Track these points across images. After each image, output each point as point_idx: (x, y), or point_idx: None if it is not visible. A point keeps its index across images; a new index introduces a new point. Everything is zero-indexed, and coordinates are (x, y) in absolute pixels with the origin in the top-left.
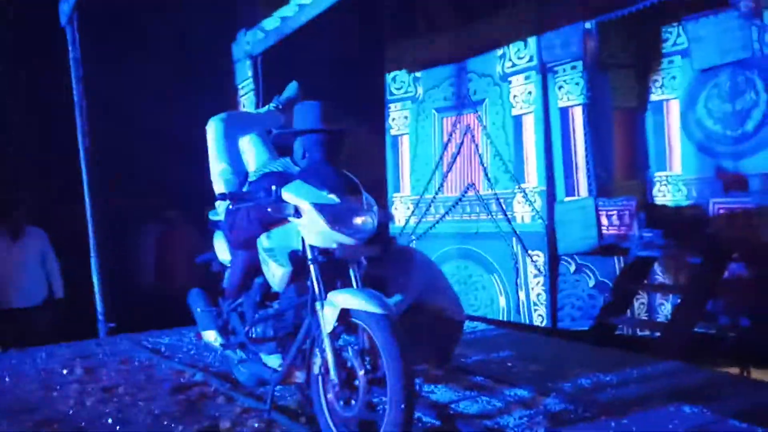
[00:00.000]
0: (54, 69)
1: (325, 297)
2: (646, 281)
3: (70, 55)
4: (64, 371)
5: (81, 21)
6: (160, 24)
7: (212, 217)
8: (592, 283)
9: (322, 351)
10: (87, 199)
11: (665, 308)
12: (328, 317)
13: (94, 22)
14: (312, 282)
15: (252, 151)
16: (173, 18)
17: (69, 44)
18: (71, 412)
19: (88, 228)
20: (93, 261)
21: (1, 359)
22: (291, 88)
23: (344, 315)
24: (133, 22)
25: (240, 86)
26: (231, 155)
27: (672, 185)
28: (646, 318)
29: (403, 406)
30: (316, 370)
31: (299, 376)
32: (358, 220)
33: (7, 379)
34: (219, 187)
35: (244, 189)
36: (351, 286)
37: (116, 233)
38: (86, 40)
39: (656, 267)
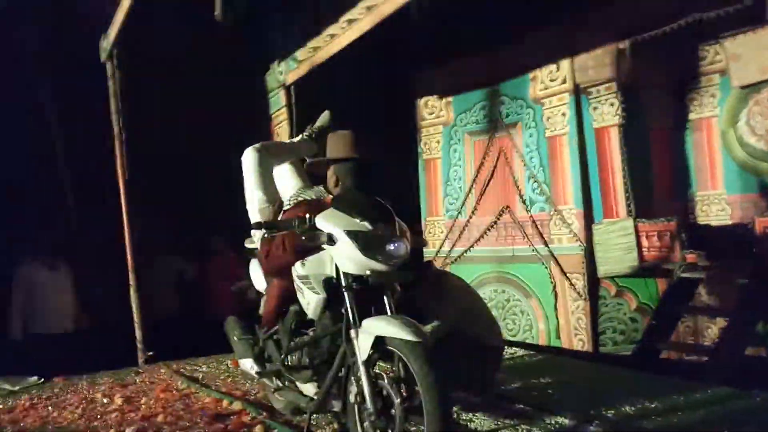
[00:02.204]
0: (93, 102)
1: (360, 324)
2: (690, 304)
3: (109, 89)
4: (105, 400)
5: (120, 56)
6: (195, 56)
7: (248, 245)
8: (634, 306)
9: (358, 379)
10: (126, 228)
11: (712, 331)
12: (362, 345)
13: (132, 57)
14: (346, 309)
15: (287, 180)
16: (208, 49)
17: (108, 79)
18: None
19: (126, 256)
20: (132, 289)
21: (44, 388)
22: (324, 118)
23: (379, 342)
24: (169, 56)
25: (274, 115)
26: (266, 184)
27: (715, 204)
28: (692, 342)
29: None
30: (351, 398)
31: (335, 405)
32: (390, 247)
33: (50, 408)
34: (254, 216)
35: (279, 218)
36: (385, 313)
37: (153, 261)
38: (125, 75)
39: (701, 289)
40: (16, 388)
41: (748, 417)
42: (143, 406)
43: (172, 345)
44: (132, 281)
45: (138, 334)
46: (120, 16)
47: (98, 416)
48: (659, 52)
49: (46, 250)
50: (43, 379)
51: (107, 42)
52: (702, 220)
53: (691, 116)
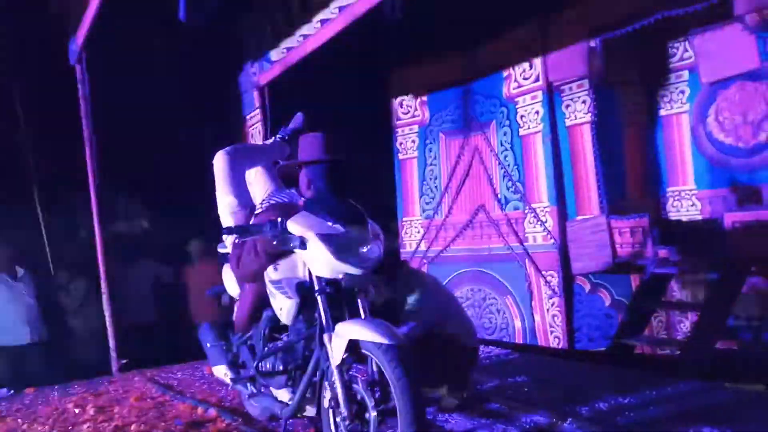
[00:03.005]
0: (63, 105)
1: (334, 328)
2: (663, 298)
3: (79, 92)
4: (77, 410)
5: (89, 59)
6: (167, 57)
7: (221, 250)
8: (608, 302)
9: (332, 384)
10: (97, 234)
11: (684, 326)
12: (336, 349)
13: (102, 59)
14: (319, 313)
15: (258, 184)
16: (180, 50)
17: (78, 82)
18: None
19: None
20: (104, 297)
21: (14, 400)
22: (296, 120)
23: (353, 346)
24: (140, 57)
25: (248, 117)
26: (238, 188)
27: (685, 200)
28: (664, 336)
29: None
30: (326, 403)
31: (310, 410)
32: (363, 249)
33: (19, 420)
34: (226, 220)
35: (251, 222)
36: (359, 316)
37: (125, 268)
38: (95, 77)
39: (673, 284)
40: None
41: (720, 410)
42: (116, 415)
43: (147, 352)
44: (104, 288)
45: (111, 341)
46: (88, 17)
47: (70, 427)
48: (630, 49)
49: (7, 258)
50: (12, 391)
51: (75, 44)
52: (673, 215)
53: (662, 112)
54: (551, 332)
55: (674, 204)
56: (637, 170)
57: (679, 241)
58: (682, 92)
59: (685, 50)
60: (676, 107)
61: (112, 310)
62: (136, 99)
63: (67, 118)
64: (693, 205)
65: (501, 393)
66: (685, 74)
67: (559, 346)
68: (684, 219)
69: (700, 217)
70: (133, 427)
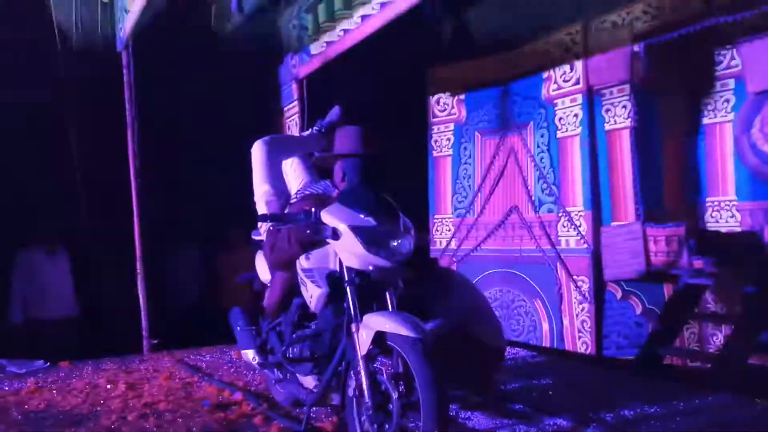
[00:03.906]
0: (108, 92)
1: (361, 319)
2: (696, 310)
3: (124, 78)
4: (109, 386)
5: (136, 46)
6: (209, 48)
7: (255, 237)
8: (639, 310)
9: (357, 373)
10: (135, 217)
11: (717, 339)
12: (363, 340)
13: (147, 47)
14: (348, 304)
15: (294, 174)
16: (222, 42)
17: (124, 68)
18: (113, 426)
19: (135, 245)
20: (139, 277)
21: (49, 372)
22: (333, 113)
23: (379, 338)
24: (183, 47)
25: (286, 109)
26: (274, 177)
27: (725, 211)
28: (696, 348)
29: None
30: (350, 392)
31: (334, 398)
32: (394, 243)
33: (54, 392)
34: (261, 208)
35: (285, 211)
36: (387, 309)
37: (162, 250)
38: (140, 65)
39: (707, 295)
40: (23, 371)
41: (749, 426)
42: (146, 393)
43: (178, 334)
44: (140, 269)
45: (144, 322)
46: (137, 5)
47: (101, 401)
48: (674, 55)
49: (48, 235)
50: (48, 364)
51: (123, 32)
52: (711, 226)
53: (705, 121)
54: (579, 337)
55: (713, 214)
56: (676, 178)
57: (716, 252)
58: (727, 101)
59: (732, 58)
60: (720, 116)
61: (147, 290)
62: (178, 87)
63: (110, 101)
64: (732, 216)
65: (525, 394)
66: (731, 83)
67: (587, 352)
68: (722, 230)
69: (739, 229)
70: (161, 405)
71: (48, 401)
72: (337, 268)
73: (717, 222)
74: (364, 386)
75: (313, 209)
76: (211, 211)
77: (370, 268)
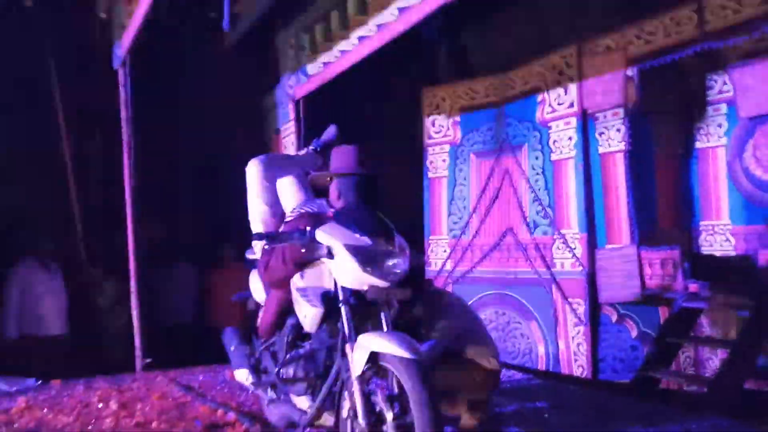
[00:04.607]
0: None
1: (356, 339)
2: (691, 333)
3: (120, 96)
4: (100, 405)
5: (132, 64)
6: (206, 67)
7: (249, 256)
8: (634, 333)
9: (351, 394)
10: (130, 234)
11: (713, 363)
12: (357, 360)
13: (144, 66)
14: (343, 324)
15: (289, 192)
16: (219, 61)
17: (120, 86)
18: None
19: (129, 263)
20: (132, 296)
21: (41, 390)
22: (330, 132)
23: (374, 358)
24: (180, 66)
25: (282, 128)
26: (269, 196)
27: (719, 235)
28: (692, 372)
29: None
30: (344, 413)
31: (328, 419)
32: (389, 262)
33: (45, 410)
34: (256, 226)
35: (280, 229)
36: (382, 329)
37: (156, 269)
38: (136, 82)
39: (702, 319)
40: (13, 389)
41: None
42: (138, 412)
43: (172, 353)
44: (134, 288)
45: (137, 340)
46: (135, 23)
47: (93, 420)
48: (668, 79)
49: (44, 252)
50: (40, 382)
51: (120, 49)
52: (706, 249)
53: (698, 145)
54: (575, 360)
55: (707, 238)
56: (670, 202)
57: (711, 276)
58: (720, 125)
59: (724, 83)
60: (713, 140)
61: (140, 309)
62: (174, 106)
63: (106, 119)
64: (727, 240)
65: (520, 417)
66: (723, 107)
67: (583, 375)
68: (717, 254)
69: (733, 253)
70: (153, 424)
71: (38, 420)
72: (332, 288)
73: (711, 246)
74: (359, 407)
75: (308, 228)
76: (205, 230)
77: (365, 287)
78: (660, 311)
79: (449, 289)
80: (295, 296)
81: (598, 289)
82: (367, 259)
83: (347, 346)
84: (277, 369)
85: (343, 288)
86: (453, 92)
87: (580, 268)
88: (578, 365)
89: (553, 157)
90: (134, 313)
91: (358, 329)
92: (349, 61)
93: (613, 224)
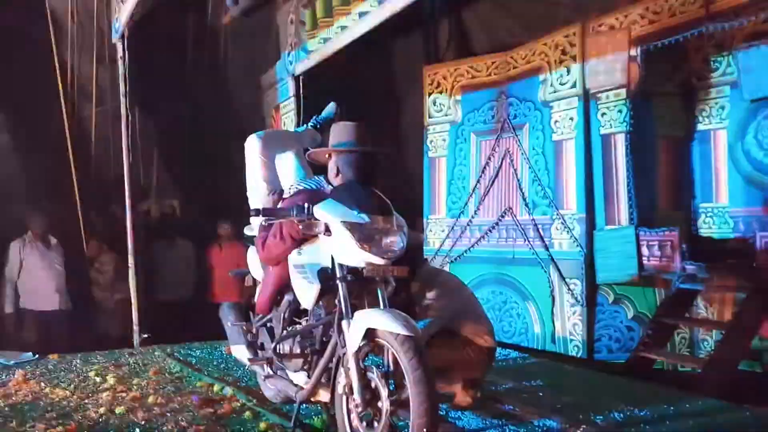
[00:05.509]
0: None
1: (352, 316)
2: (687, 315)
3: (118, 70)
4: (98, 379)
5: (132, 38)
6: (205, 41)
7: (247, 232)
8: (630, 314)
9: (347, 370)
10: (128, 211)
11: (708, 344)
12: (353, 336)
13: (142, 38)
14: (339, 300)
15: (288, 169)
16: (219, 35)
17: (119, 59)
18: (101, 420)
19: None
20: (130, 271)
21: (38, 364)
22: (329, 109)
23: (370, 335)
24: (179, 39)
25: (282, 105)
26: (267, 172)
27: (718, 217)
28: (687, 353)
29: (425, 430)
30: (340, 389)
31: (324, 395)
32: (386, 240)
33: (42, 384)
34: (254, 202)
35: (278, 206)
36: (378, 306)
37: (154, 245)
38: (135, 57)
39: (699, 300)
40: (11, 362)
41: (738, 431)
42: (135, 386)
43: (169, 328)
44: (131, 263)
45: (134, 315)
46: None
47: (90, 394)
48: (671, 61)
49: (42, 227)
50: (37, 356)
51: (119, 22)
52: (704, 232)
53: (699, 127)
54: (571, 340)
55: (706, 220)
56: (670, 183)
57: (709, 258)
58: (722, 108)
59: (728, 65)
60: (715, 122)
61: (138, 285)
62: (173, 81)
63: (105, 93)
64: (725, 222)
65: (515, 395)
66: (727, 90)
67: (578, 355)
68: (715, 236)
69: (732, 236)
70: (150, 399)
71: (36, 393)
72: (329, 264)
73: (710, 228)
74: (354, 383)
75: (306, 204)
76: (202, 206)
77: (363, 264)
78: (657, 292)
79: (447, 268)
80: (293, 272)
81: (595, 270)
82: (364, 236)
83: (344, 323)
84: (273, 345)
85: (340, 265)
86: (454, 71)
87: (578, 248)
88: (574, 345)
89: (554, 137)
90: (132, 288)
91: (354, 306)
92: (349, 36)
93: (612, 205)
